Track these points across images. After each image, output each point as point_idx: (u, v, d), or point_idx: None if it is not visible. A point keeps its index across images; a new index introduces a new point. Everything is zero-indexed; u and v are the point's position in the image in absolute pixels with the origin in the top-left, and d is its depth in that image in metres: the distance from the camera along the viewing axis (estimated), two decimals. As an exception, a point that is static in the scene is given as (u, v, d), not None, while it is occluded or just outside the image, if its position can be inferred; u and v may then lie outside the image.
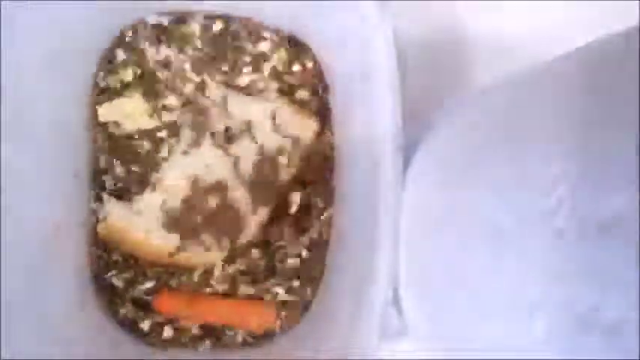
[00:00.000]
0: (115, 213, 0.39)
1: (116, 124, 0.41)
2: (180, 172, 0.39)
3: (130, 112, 0.40)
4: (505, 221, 0.22)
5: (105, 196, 0.40)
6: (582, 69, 0.22)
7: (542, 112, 0.23)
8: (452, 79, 0.43)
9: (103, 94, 0.41)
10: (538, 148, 0.22)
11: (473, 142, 0.28)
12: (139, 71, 0.41)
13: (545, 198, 0.20)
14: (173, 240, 0.39)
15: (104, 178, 0.40)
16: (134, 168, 0.41)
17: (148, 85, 0.41)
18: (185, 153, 0.39)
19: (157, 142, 0.41)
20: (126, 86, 0.41)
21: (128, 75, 0.41)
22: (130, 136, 0.41)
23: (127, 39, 0.41)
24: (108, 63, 0.41)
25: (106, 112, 0.40)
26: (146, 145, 0.41)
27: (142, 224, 0.38)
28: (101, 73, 0.41)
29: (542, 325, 0.20)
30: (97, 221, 0.39)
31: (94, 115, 0.41)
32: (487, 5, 0.43)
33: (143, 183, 0.40)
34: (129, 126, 0.41)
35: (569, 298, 0.18)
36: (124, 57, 0.41)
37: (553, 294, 0.19)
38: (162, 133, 0.41)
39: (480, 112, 0.29)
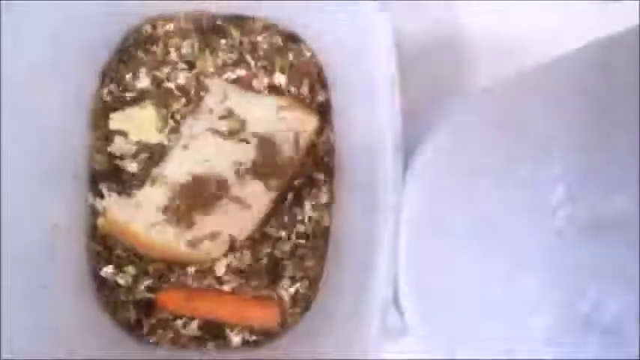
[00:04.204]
0: (115, 207, 0.39)
1: (123, 133, 0.41)
2: (180, 167, 0.39)
3: (140, 123, 0.40)
4: (505, 221, 0.23)
5: (105, 190, 0.40)
6: (582, 69, 0.22)
7: (542, 113, 0.23)
8: (452, 79, 0.43)
9: (111, 98, 0.41)
10: (538, 148, 0.22)
11: (473, 143, 0.28)
12: (151, 75, 0.41)
13: (545, 198, 0.20)
14: (173, 234, 0.39)
15: (104, 178, 0.40)
16: (133, 170, 0.41)
17: (161, 93, 0.41)
18: (185, 147, 0.40)
19: (160, 152, 0.41)
20: (138, 96, 0.41)
21: (142, 77, 0.41)
22: (135, 146, 0.41)
23: (130, 39, 0.41)
24: (118, 62, 0.41)
25: (118, 120, 0.40)
26: (147, 157, 0.41)
27: (142, 218, 0.38)
28: (108, 76, 0.41)
29: (542, 325, 0.20)
30: (97, 217, 0.39)
31: (96, 116, 0.41)
32: (487, 5, 0.43)
33: (143, 177, 0.40)
34: (136, 137, 0.41)
35: (569, 297, 0.18)
36: (130, 59, 0.41)
37: (553, 294, 0.19)
38: (166, 142, 0.41)
39: (479, 113, 0.29)
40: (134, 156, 0.41)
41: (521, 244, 0.21)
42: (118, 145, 0.41)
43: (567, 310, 0.18)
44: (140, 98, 0.41)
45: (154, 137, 0.41)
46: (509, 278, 0.22)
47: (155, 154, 0.41)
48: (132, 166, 0.41)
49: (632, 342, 0.16)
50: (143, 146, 0.41)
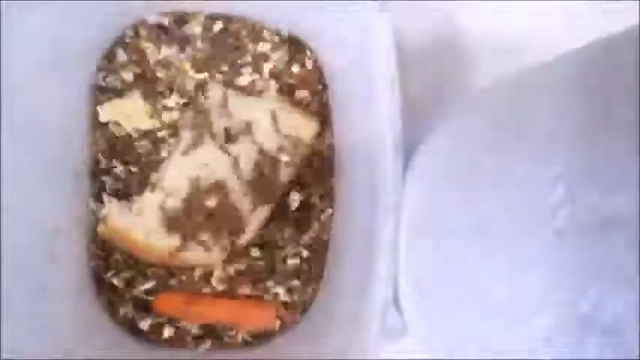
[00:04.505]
0: (115, 213, 0.39)
1: (116, 124, 0.41)
2: (180, 172, 0.39)
3: (130, 113, 0.40)
4: (505, 221, 0.23)
5: (105, 196, 0.40)
6: (582, 69, 0.22)
7: (542, 113, 0.23)
8: (452, 79, 0.43)
9: (103, 94, 0.41)
10: (538, 148, 0.22)
11: (472, 143, 0.28)
12: (139, 71, 0.41)
13: (545, 198, 0.20)
14: (173, 240, 0.39)
15: (104, 178, 0.40)
16: (134, 168, 0.41)
17: (149, 86, 0.41)
18: (185, 153, 0.39)
19: (157, 142, 0.41)
20: (126, 87, 0.41)
21: (129, 75, 0.41)
22: (130, 136, 0.41)
23: (127, 39, 0.41)
24: (108, 63, 0.41)
25: (107, 112, 0.40)
26: (146, 145, 0.41)
27: (141, 224, 0.38)
28: (101, 73, 0.41)
29: (542, 325, 0.20)
30: (97, 221, 0.39)
31: (94, 115, 0.41)
32: (487, 5, 0.43)
33: (143, 183, 0.40)
34: (129, 126, 0.41)
35: (570, 297, 0.18)
36: (125, 57, 0.41)
37: (553, 294, 0.19)
38: (163, 133, 0.41)
39: (480, 113, 0.29)
40: (132, 141, 0.41)
41: (521, 244, 0.21)
42: (115, 133, 0.41)
43: (567, 310, 0.18)
44: (127, 89, 0.41)
45: (146, 123, 0.41)
46: (509, 278, 0.22)
47: (153, 139, 0.41)
48: (132, 152, 0.41)
49: (632, 342, 0.16)
50: (139, 132, 0.41)
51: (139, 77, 0.41)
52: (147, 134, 0.41)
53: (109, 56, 0.41)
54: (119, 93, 0.41)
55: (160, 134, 0.41)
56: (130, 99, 0.41)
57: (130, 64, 0.41)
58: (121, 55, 0.41)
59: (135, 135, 0.41)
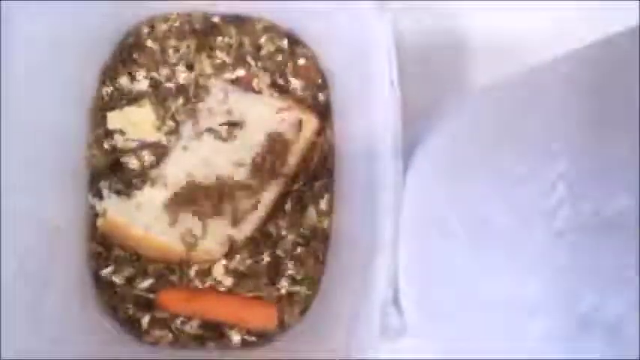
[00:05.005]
0: (114, 208, 0.39)
1: (121, 132, 0.41)
2: (180, 167, 0.39)
3: (137, 122, 0.40)
4: (505, 221, 0.23)
5: (105, 191, 0.40)
6: (583, 69, 0.22)
7: (542, 112, 0.23)
8: (452, 79, 0.43)
9: (109, 98, 0.41)
10: (538, 148, 0.22)
11: (473, 143, 0.28)
12: (150, 77, 0.41)
13: (545, 198, 0.20)
14: (173, 235, 0.39)
15: (104, 178, 0.40)
16: (133, 167, 0.41)
17: (159, 93, 0.41)
18: (185, 148, 0.40)
19: (159, 153, 0.41)
20: (137, 95, 0.41)
21: (142, 84, 0.41)
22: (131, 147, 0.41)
23: (131, 40, 0.41)
24: (113, 67, 0.41)
25: (115, 119, 0.40)
26: (147, 155, 0.41)
27: (142, 219, 0.38)
28: (107, 76, 0.41)
29: (542, 325, 0.20)
30: (97, 218, 0.39)
31: (94, 115, 0.41)
32: (487, 5, 0.43)
33: (143, 178, 0.40)
34: (134, 136, 0.41)
35: (569, 297, 0.18)
36: (131, 59, 0.41)
37: (553, 294, 0.19)
38: (164, 141, 0.41)
39: (480, 113, 0.29)
40: (134, 152, 0.41)
41: (521, 245, 0.21)
42: (118, 142, 0.41)
43: (567, 310, 0.18)
44: (138, 97, 0.41)
45: (152, 136, 0.41)
46: (510, 278, 0.22)
47: (156, 152, 0.41)
48: (132, 163, 0.41)
49: (632, 342, 0.16)
50: (142, 144, 0.41)
51: (151, 81, 0.41)
52: (150, 145, 0.41)
53: (114, 60, 0.41)
54: (128, 99, 0.41)
55: (162, 143, 0.41)
56: (141, 108, 0.41)
57: (142, 65, 0.41)
58: (134, 54, 0.41)
59: (137, 145, 0.41)
